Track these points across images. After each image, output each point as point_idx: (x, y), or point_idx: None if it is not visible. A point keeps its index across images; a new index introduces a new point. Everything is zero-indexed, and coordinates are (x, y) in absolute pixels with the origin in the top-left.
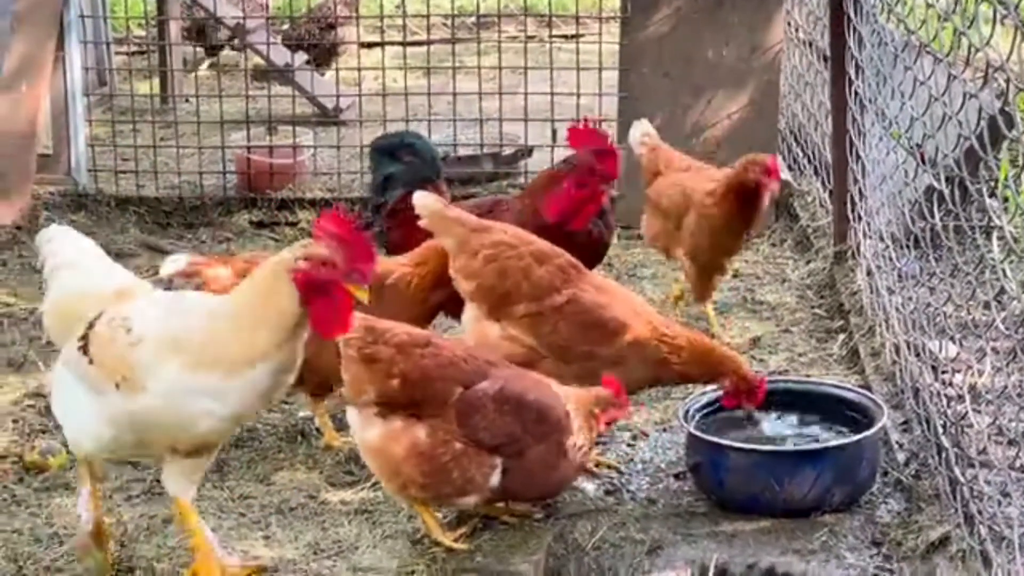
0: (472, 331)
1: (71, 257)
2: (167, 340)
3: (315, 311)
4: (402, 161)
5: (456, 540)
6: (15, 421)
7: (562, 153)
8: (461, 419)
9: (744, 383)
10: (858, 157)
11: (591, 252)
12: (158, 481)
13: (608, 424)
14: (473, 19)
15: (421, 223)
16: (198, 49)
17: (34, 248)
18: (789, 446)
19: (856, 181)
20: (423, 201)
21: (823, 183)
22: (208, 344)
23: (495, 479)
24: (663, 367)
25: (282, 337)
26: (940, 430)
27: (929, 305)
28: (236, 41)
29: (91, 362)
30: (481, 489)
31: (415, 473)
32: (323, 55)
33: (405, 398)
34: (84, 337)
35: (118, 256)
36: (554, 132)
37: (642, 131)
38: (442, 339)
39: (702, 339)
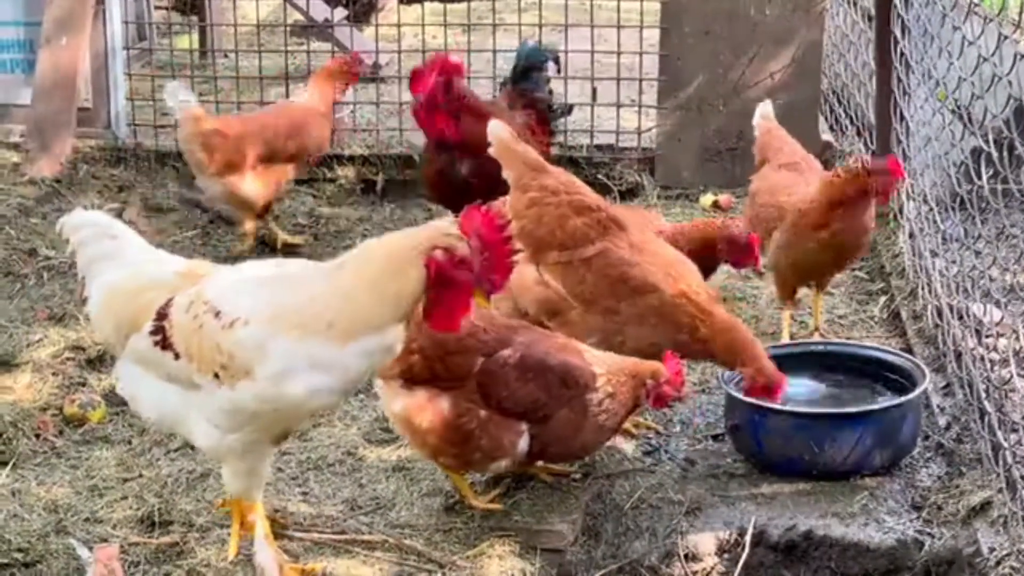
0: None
1: (108, 248)
2: (272, 317)
3: (434, 302)
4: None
5: (491, 502)
6: (55, 374)
7: (601, 112)
8: (483, 389)
9: (763, 378)
10: (902, 118)
11: None
12: None
13: (659, 402)
14: None
15: (491, 151)
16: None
17: (60, 234)
18: (829, 408)
19: (900, 142)
20: (495, 130)
21: (866, 144)
22: (323, 312)
23: (523, 444)
24: (686, 334)
25: (399, 316)
26: (983, 394)
27: (973, 268)
28: None
29: (177, 357)
30: (510, 454)
31: (442, 443)
32: (363, 11)
33: (426, 372)
34: (159, 330)
35: (157, 211)
36: (594, 90)
37: (762, 112)
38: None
39: (733, 320)
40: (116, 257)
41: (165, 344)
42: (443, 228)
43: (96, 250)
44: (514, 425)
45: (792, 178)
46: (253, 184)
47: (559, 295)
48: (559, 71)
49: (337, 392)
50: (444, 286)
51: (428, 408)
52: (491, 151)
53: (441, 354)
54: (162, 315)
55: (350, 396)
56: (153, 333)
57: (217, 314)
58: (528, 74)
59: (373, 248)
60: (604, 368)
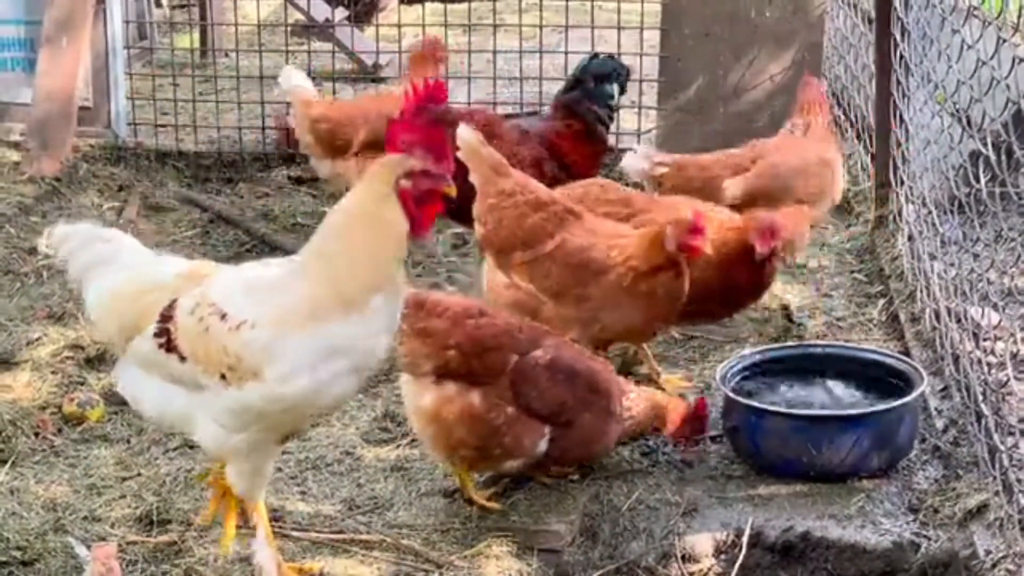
0: (486, 280)
1: (103, 253)
2: (279, 317)
3: (416, 218)
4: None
5: (488, 499)
6: (54, 373)
7: None
8: (515, 387)
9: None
10: (901, 121)
11: None
12: None
13: (681, 438)
14: None
15: (459, 155)
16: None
17: (47, 249)
18: (827, 411)
19: (899, 145)
20: (464, 134)
21: (865, 147)
22: (330, 293)
23: (542, 446)
24: (635, 291)
25: (401, 257)
26: (980, 397)
27: (972, 271)
28: None
29: (183, 359)
30: (528, 454)
31: (467, 435)
32: (364, 11)
33: (463, 368)
34: (164, 332)
35: (157, 210)
36: None
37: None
38: (494, 308)
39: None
40: (112, 261)
41: (170, 347)
42: (389, 161)
43: (90, 256)
44: (538, 427)
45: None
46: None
47: (530, 294)
48: (622, 91)
49: (360, 370)
50: (421, 202)
51: (457, 401)
52: (459, 155)
53: (478, 351)
54: (166, 317)
55: (370, 376)
56: (157, 336)
57: (223, 316)
58: (582, 87)
59: (346, 210)
60: (628, 386)
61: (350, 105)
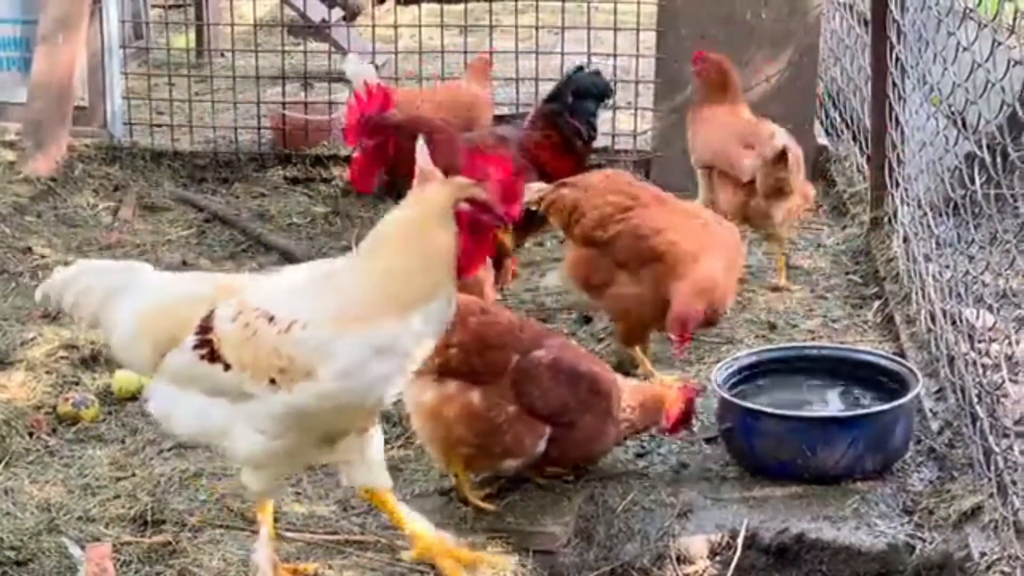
0: None
1: (120, 281)
2: (329, 315)
3: (464, 249)
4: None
5: (483, 500)
6: (48, 372)
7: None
8: (517, 387)
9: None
10: (897, 123)
11: None
12: None
13: (674, 424)
14: None
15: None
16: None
17: (44, 298)
18: (822, 412)
19: (895, 147)
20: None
21: (861, 148)
22: (378, 297)
23: (541, 446)
24: None
25: (449, 274)
26: (975, 399)
27: (967, 273)
28: None
29: (227, 368)
30: (527, 454)
31: (467, 433)
32: (347, 14)
33: (464, 366)
34: (204, 343)
35: (152, 210)
36: None
37: None
38: (496, 306)
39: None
40: (134, 287)
41: (213, 357)
42: (458, 182)
43: (107, 287)
44: (538, 427)
45: None
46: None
47: None
48: (605, 105)
49: (405, 372)
50: (472, 232)
51: (458, 399)
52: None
53: (479, 348)
54: (205, 328)
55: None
56: (198, 347)
57: (271, 319)
58: (563, 99)
59: (404, 219)
60: (627, 386)
61: (413, 92)
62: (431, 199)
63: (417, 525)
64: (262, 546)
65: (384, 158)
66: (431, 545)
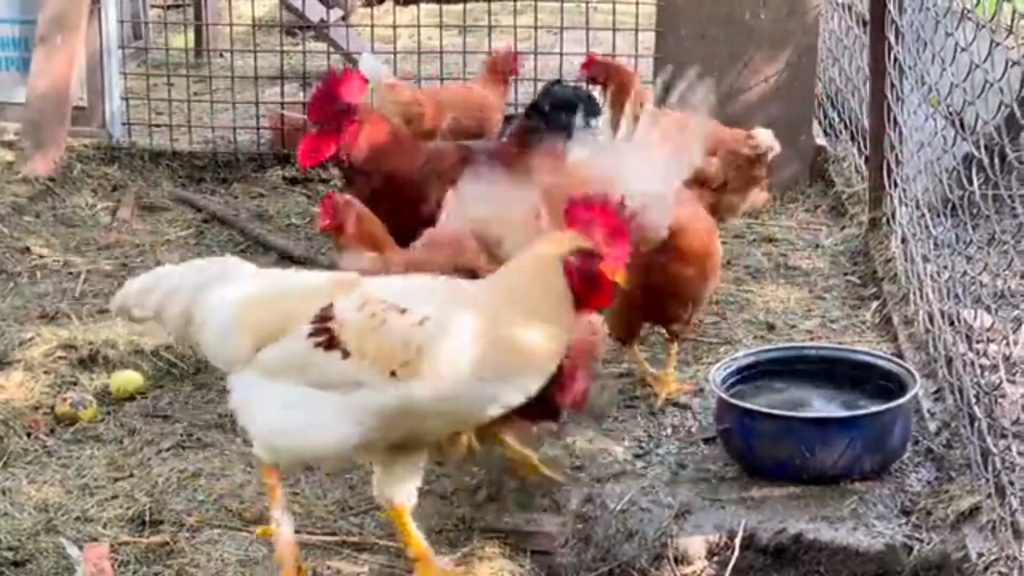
0: None
1: (215, 272)
2: (460, 329)
3: (582, 295)
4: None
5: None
6: (47, 373)
7: None
8: None
9: None
10: (895, 123)
11: None
12: (188, 435)
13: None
14: None
15: None
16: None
17: (121, 310)
18: (820, 413)
19: (893, 147)
20: None
21: (859, 149)
22: (503, 355)
23: None
24: None
25: (566, 330)
26: (973, 400)
27: (965, 274)
28: None
29: (345, 355)
30: None
31: None
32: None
33: None
34: (322, 331)
35: (151, 210)
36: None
37: None
38: None
39: None
40: (231, 276)
41: (330, 344)
42: (567, 238)
43: (199, 280)
44: None
45: None
46: None
47: None
48: (586, 118)
49: (512, 404)
50: (586, 282)
51: None
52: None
53: None
54: (325, 318)
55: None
56: (314, 335)
57: (403, 311)
58: (539, 113)
59: (518, 275)
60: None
61: (436, 91)
62: (540, 257)
63: (423, 547)
64: (285, 524)
65: (338, 143)
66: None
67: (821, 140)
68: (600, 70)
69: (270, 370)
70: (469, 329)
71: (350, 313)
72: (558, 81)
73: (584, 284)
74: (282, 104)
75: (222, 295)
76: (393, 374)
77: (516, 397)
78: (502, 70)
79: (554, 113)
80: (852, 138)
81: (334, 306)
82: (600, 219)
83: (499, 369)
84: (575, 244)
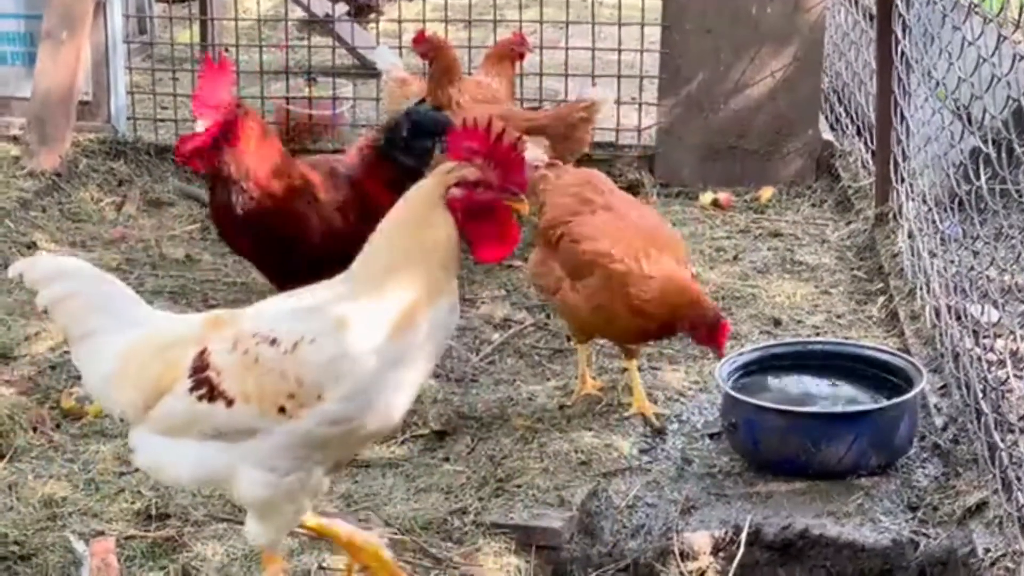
0: None
1: (97, 300)
2: (339, 328)
3: (477, 236)
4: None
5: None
6: (52, 367)
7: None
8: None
9: None
10: (902, 118)
11: None
12: None
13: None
14: None
15: None
16: None
17: (20, 279)
18: (826, 408)
19: (899, 142)
20: None
21: (866, 144)
22: (385, 297)
23: None
24: None
25: (452, 270)
26: (979, 395)
27: (971, 269)
28: None
29: (230, 403)
30: None
31: None
32: (357, 11)
33: None
34: (202, 383)
35: (156, 205)
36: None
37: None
38: None
39: None
40: (110, 311)
41: (213, 395)
42: (442, 169)
43: (82, 304)
44: None
45: None
46: None
47: None
48: (441, 143)
49: (422, 379)
50: (477, 216)
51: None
52: None
53: None
54: (200, 368)
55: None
56: (194, 388)
57: (273, 342)
58: (397, 133)
59: (392, 220)
60: None
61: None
62: (416, 194)
63: (346, 530)
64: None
65: (220, 142)
66: (364, 549)
67: (828, 135)
68: (428, 47)
69: (168, 428)
70: (350, 331)
71: (224, 356)
72: (422, 100)
73: (472, 218)
74: (287, 99)
75: (108, 341)
76: (282, 410)
77: (427, 367)
78: (509, 56)
79: (412, 136)
80: (859, 132)
81: (208, 351)
82: (486, 146)
83: (394, 353)
84: (458, 174)
